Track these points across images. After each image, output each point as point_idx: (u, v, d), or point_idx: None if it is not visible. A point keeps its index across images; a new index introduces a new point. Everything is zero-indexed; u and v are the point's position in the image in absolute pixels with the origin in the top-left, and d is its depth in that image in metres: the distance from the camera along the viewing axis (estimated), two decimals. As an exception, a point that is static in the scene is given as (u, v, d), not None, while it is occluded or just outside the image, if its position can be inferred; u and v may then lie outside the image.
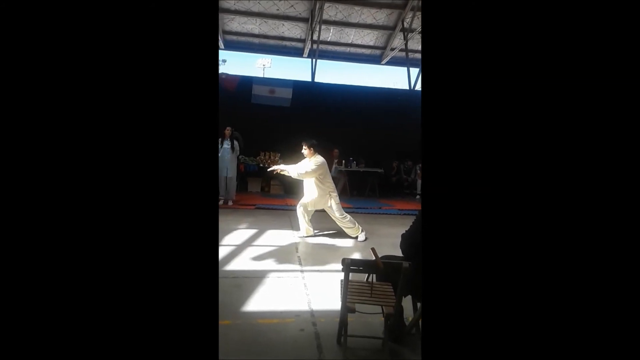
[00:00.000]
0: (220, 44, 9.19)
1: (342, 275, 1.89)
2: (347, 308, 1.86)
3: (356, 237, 4.28)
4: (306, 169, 4.06)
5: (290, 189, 7.21)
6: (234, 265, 3.23)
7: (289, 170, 4.14)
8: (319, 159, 4.13)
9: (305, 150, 4.17)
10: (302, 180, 4.27)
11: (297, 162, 4.29)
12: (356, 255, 3.76)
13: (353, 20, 8.54)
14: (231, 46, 9.56)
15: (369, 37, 9.22)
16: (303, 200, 4.29)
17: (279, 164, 4.21)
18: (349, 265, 1.80)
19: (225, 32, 9.02)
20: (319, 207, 4.24)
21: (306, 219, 4.28)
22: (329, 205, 4.19)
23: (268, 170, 4.18)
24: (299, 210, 4.30)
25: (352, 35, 9.14)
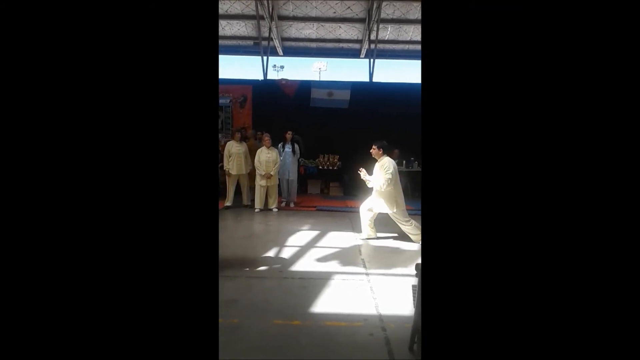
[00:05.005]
0: (279, 51, 9.47)
1: (411, 280, 1.82)
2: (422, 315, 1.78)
3: (419, 242, 4.13)
4: (385, 182, 3.94)
5: (349, 190, 7.19)
6: (299, 266, 3.28)
7: (371, 181, 4.11)
8: (386, 162, 4.02)
9: (373, 151, 4.11)
10: (365, 182, 4.21)
11: (358, 165, 4.25)
12: (422, 259, 3.62)
13: (412, 16, 8.30)
14: (289, 52, 9.79)
15: (428, 33, 8.89)
16: (368, 202, 4.23)
17: (364, 174, 4.17)
18: (423, 271, 1.73)
19: (284, 39, 9.27)
20: (384, 211, 4.14)
21: (369, 221, 4.23)
22: (394, 210, 4.08)
23: (359, 171, 4.21)
24: (363, 211, 4.26)
25: (411, 32, 8.88)
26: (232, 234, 4.42)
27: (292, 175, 6.03)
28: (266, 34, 8.46)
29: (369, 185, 4.19)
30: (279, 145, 5.91)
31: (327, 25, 8.71)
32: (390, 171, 3.95)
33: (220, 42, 8.23)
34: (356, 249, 3.89)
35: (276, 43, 9.09)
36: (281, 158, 5.79)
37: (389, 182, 3.93)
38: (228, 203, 5.72)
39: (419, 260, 3.50)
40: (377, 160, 4.14)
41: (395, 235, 4.34)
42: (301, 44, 9.49)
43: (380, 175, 4.00)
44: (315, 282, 2.90)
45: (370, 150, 4.15)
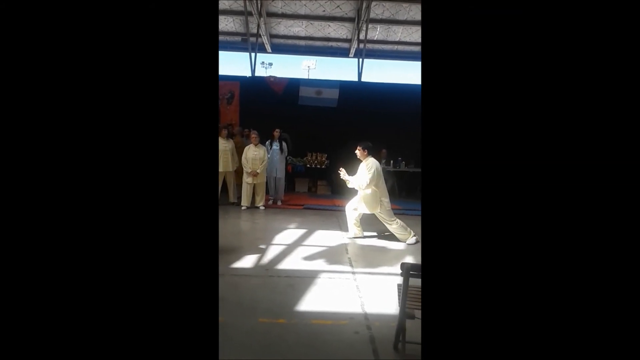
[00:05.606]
0: (268, 48, 9.41)
1: (396, 279, 1.85)
2: (406, 314, 1.81)
3: (405, 242, 4.17)
4: (365, 182, 3.97)
5: (337, 189, 7.21)
6: (286, 265, 3.28)
7: (351, 181, 4.15)
8: (370, 162, 4.06)
9: (358, 152, 4.14)
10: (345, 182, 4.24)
11: (345, 164, 4.28)
12: (409, 259, 3.67)
13: (401, 17, 8.36)
14: (278, 49, 9.74)
15: (417, 34, 8.96)
16: (353, 202, 4.26)
17: (344, 173, 4.21)
18: (409, 270, 1.75)
19: (272, 36, 9.22)
20: (368, 212, 4.17)
21: (355, 220, 4.25)
22: (379, 210, 4.12)
23: (339, 171, 4.24)
24: (349, 210, 4.28)
25: (400, 33, 8.95)
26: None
27: (280, 173, 6.01)
28: (254, 31, 8.39)
29: (350, 186, 4.22)
30: (267, 142, 5.88)
31: (316, 23, 8.70)
32: (372, 171, 3.98)
33: (208, 37, 8.10)
34: (343, 248, 3.90)
35: (265, 40, 9.02)
36: (269, 156, 5.76)
37: (369, 182, 3.96)
38: (214, 200, 5.67)
39: (405, 259, 3.55)
40: (362, 161, 4.16)
41: (382, 234, 4.38)
42: (290, 41, 9.45)
43: (363, 175, 4.04)
44: (302, 281, 2.90)
45: (355, 151, 4.18)
